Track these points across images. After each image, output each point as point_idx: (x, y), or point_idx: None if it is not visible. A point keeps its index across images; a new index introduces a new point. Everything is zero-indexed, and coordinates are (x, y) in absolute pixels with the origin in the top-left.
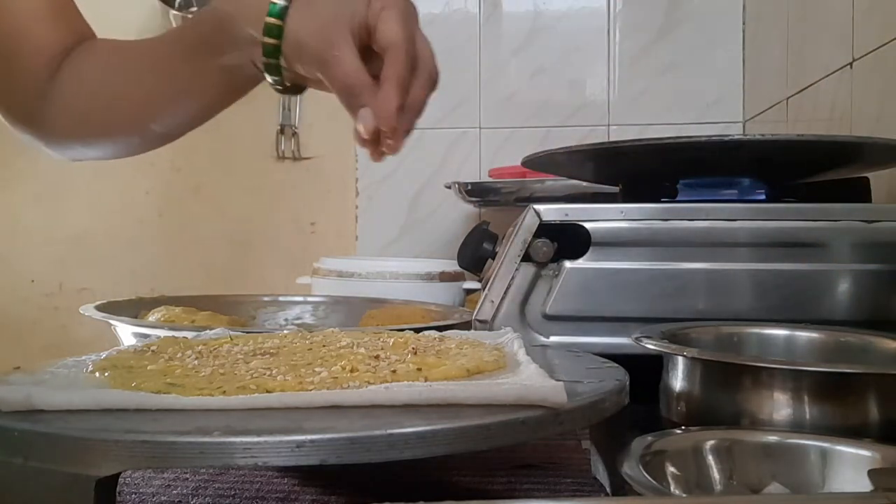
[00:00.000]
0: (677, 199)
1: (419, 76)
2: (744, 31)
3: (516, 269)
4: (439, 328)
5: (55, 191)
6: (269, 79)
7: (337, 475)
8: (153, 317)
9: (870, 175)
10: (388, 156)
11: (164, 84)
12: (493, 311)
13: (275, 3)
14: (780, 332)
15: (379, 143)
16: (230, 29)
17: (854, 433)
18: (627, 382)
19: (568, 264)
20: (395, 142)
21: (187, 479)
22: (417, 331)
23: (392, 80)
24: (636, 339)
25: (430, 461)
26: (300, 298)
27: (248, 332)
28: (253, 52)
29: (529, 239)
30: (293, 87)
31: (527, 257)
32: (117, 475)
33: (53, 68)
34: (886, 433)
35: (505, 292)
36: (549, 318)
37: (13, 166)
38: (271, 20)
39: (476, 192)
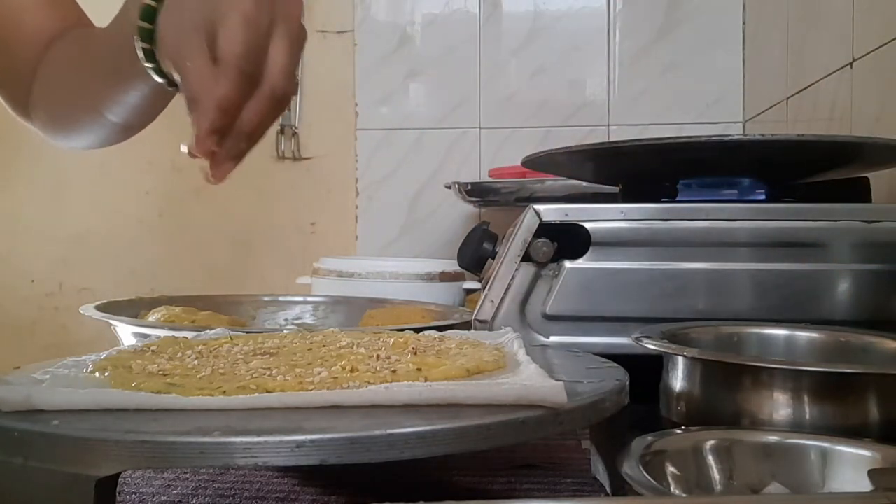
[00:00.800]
0: (677, 199)
1: (258, 96)
2: (744, 31)
3: (516, 269)
4: (439, 328)
5: (55, 191)
6: (154, 75)
7: (337, 475)
8: (153, 317)
9: (870, 175)
10: (220, 181)
11: (103, 72)
12: (493, 311)
13: (148, 4)
14: (780, 332)
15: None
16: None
17: (854, 433)
18: (627, 382)
19: (568, 264)
20: (214, 169)
21: (187, 479)
22: (417, 331)
23: (210, 101)
24: (636, 339)
25: (430, 461)
26: (300, 298)
27: (248, 332)
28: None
29: (529, 239)
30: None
31: (527, 257)
32: (117, 475)
33: (42, 56)
34: (886, 433)
35: (505, 292)
36: (549, 318)
37: (14, 166)
38: (143, 23)
39: (476, 192)
